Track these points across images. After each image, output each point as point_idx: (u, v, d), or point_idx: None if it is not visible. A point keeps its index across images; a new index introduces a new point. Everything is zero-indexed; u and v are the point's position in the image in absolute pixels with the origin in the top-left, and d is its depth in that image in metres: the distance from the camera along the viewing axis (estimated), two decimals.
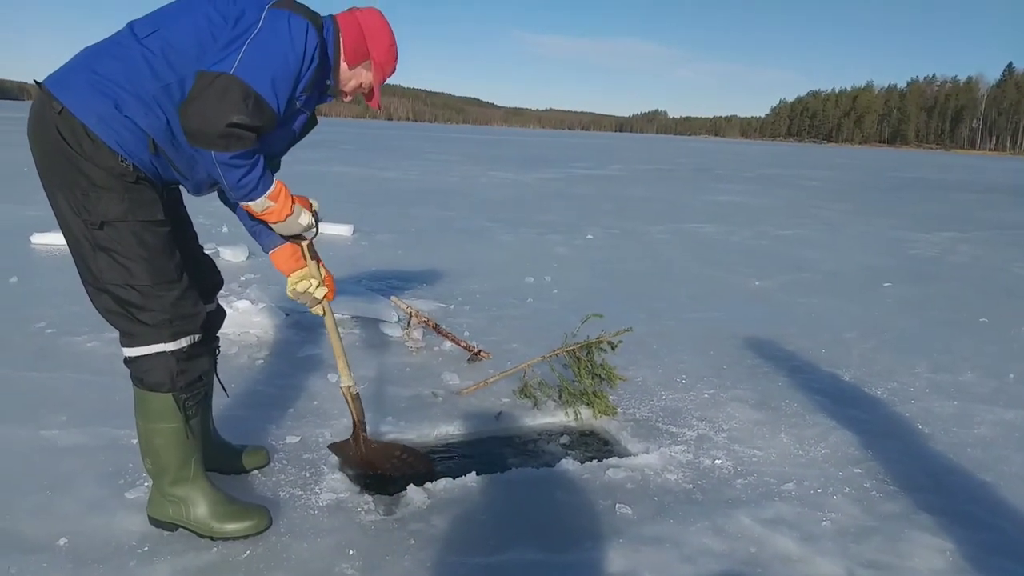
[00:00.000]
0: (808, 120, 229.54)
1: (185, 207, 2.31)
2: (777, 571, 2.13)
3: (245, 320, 4.06)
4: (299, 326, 4.16)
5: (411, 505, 2.36)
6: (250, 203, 2.07)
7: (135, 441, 2.66)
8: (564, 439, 3.03)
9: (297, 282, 2.48)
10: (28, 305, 4.36)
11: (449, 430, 3.02)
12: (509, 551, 2.15)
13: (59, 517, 2.18)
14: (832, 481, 2.69)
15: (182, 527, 2.11)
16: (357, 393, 2.55)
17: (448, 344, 3.96)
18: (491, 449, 2.94)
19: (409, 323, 4.14)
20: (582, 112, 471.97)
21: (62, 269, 5.43)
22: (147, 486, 2.37)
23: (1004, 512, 2.52)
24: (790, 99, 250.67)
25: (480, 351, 3.81)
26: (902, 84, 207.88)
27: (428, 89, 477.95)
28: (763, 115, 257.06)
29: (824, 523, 2.39)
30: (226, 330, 3.94)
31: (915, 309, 5.53)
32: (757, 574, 2.11)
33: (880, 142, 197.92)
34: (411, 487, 2.43)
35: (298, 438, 2.78)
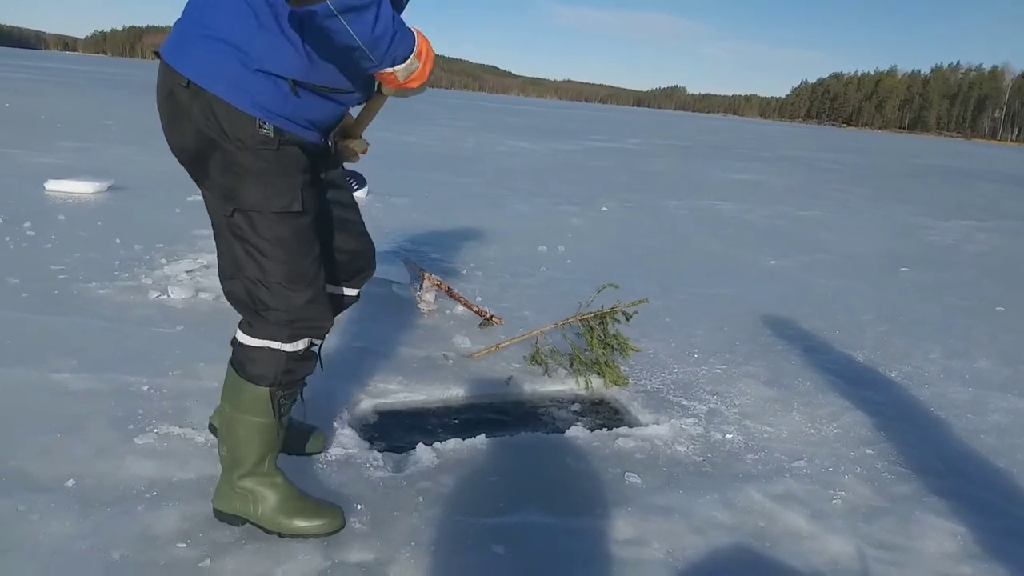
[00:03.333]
0: (828, 102, 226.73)
1: (337, 166, 2.11)
2: (786, 546, 2.11)
3: None
4: None
5: (420, 463, 2.35)
6: (397, 66, 1.70)
7: (146, 388, 2.67)
8: (575, 407, 3.02)
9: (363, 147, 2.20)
10: (42, 251, 4.36)
11: (459, 392, 3.00)
12: (517, 513, 2.14)
13: (68, 459, 2.18)
14: (843, 460, 2.66)
15: (249, 522, 1.95)
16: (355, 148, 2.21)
17: (460, 308, 3.94)
18: (501, 413, 2.93)
19: (422, 286, 4.12)
20: (600, 85, 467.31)
21: (75, 216, 5.43)
22: (157, 432, 2.37)
23: (1017, 499, 2.49)
24: (812, 80, 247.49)
25: (492, 316, 3.79)
26: (926, 70, 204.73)
27: (445, 55, 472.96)
28: (783, 95, 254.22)
29: (834, 501, 2.37)
30: None
31: (932, 295, 5.47)
32: (765, 548, 2.10)
33: (900, 128, 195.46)
34: (420, 445, 2.42)
35: (309, 393, 2.76)
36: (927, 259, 7.04)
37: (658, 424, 2.82)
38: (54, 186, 6.28)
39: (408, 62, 1.71)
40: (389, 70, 1.71)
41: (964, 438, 2.94)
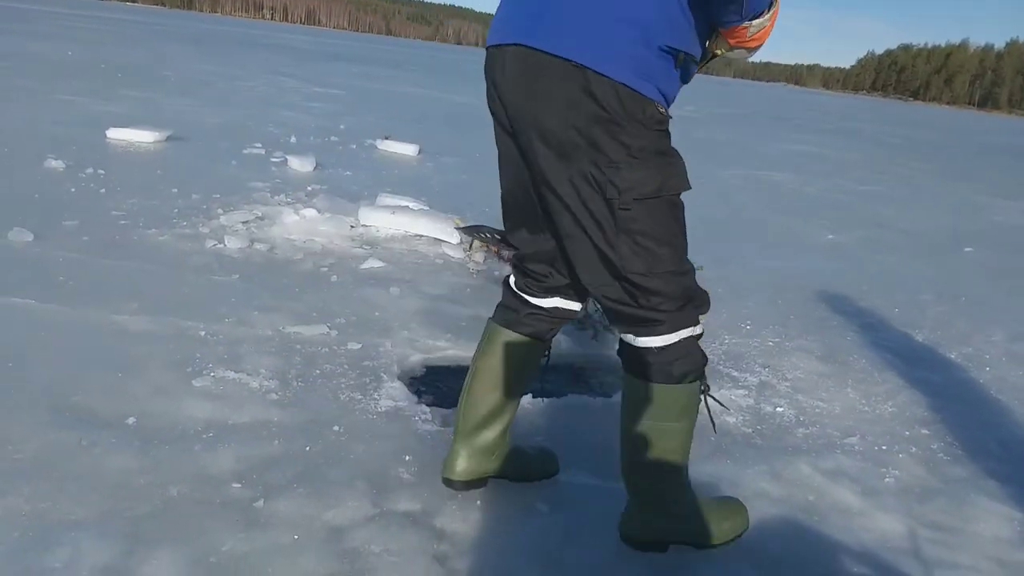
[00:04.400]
0: (895, 75, 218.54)
1: None
2: (835, 521, 2.08)
3: (312, 228, 4.09)
4: (362, 239, 4.17)
5: None
6: (755, 20, 1.54)
7: (203, 333, 2.74)
8: (622, 372, 2.99)
9: None
10: (103, 196, 4.46)
11: None
12: (562, 473, 2.14)
13: (128, 397, 2.24)
14: (898, 439, 2.60)
15: (675, 542, 1.81)
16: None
17: (509, 269, 3.92)
18: (547, 374, 2.92)
19: (471, 245, 4.12)
20: None
21: (136, 164, 5.55)
22: (213, 376, 2.42)
23: None
24: (879, 51, 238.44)
25: None
26: (1000, 44, 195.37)
27: None
28: (847, 66, 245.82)
29: (887, 480, 2.32)
30: (291, 235, 4.00)
31: (996, 276, 5.27)
32: (814, 522, 2.07)
33: (969, 104, 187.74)
34: None
35: (359, 345, 2.80)
36: (992, 240, 6.79)
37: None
38: (115, 134, 6.41)
39: (764, 16, 1.54)
40: (746, 23, 1.53)
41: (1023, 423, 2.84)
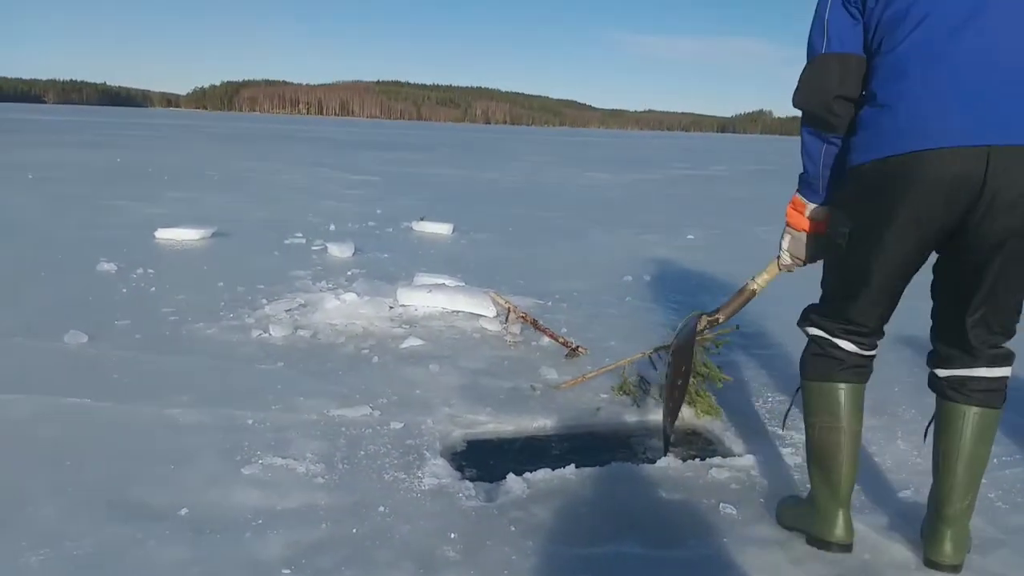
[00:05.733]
0: None
1: None
2: None
3: (352, 311, 4.20)
4: (401, 319, 4.26)
5: (511, 493, 2.37)
6: None
7: (251, 421, 2.81)
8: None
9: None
10: (152, 295, 4.65)
11: (547, 423, 3.02)
12: (609, 544, 2.12)
13: (180, 489, 2.31)
14: None
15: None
16: (752, 292, 2.50)
17: (546, 340, 3.97)
18: (590, 443, 2.92)
19: (508, 318, 4.18)
20: (682, 113, 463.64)
21: (184, 262, 5.78)
22: (262, 463, 2.48)
23: None
24: None
25: (578, 347, 3.80)
26: None
27: (525, 92, 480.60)
28: None
29: None
30: (333, 320, 4.10)
31: None
32: None
33: None
34: (511, 475, 2.44)
35: (402, 424, 2.85)
36: None
37: (753, 455, 2.75)
38: (163, 234, 6.71)
39: None
40: None
41: None
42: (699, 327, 2.56)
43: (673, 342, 2.60)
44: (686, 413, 3.11)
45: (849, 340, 2.07)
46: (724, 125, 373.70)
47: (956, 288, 1.93)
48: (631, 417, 3.12)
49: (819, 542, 2.12)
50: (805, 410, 2.17)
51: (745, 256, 7.24)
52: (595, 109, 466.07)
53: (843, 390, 2.08)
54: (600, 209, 10.84)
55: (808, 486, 2.50)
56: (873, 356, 2.13)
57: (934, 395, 2.09)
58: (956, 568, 2.01)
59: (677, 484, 2.49)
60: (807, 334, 2.19)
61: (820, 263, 2.19)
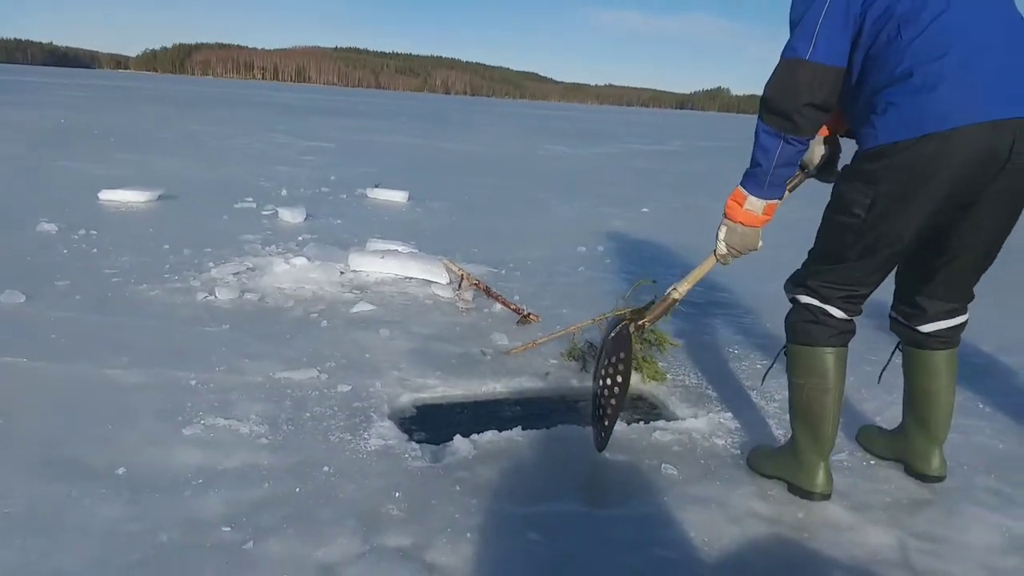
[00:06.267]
0: None
1: None
2: (825, 537, 2.09)
3: (302, 276, 4.14)
4: (352, 284, 4.21)
5: (457, 454, 2.38)
6: None
7: (194, 383, 2.77)
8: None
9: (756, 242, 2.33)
10: (95, 256, 4.52)
11: (496, 387, 3.03)
12: (553, 503, 2.15)
13: (119, 448, 2.26)
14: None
15: None
16: (674, 300, 2.55)
17: (498, 307, 3.97)
18: (538, 407, 2.94)
19: (460, 284, 4.17)
20: (642, 88, 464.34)
21: (128, 223, 5.63)
22: (203, 424, 2.45)
23: None
24: None
25: (529, 314, 3.81)
26: None
27: (486, 63, 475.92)
28: None
29: (876, 494, 2.33)
30: (282, 284, 4.04)
31: None
32: (804, 539, 2.07)
33: None
34: (457, 437, 2.45)
35: (349, 387, 2.83)
36: None
37: (696, 418, 2.80)
38: (107, 196, 6.50)
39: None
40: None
41: (1016, 431, 2.85)
42: (628, 332, 2.48)
43: (603, 347, 2.55)
44: (633, 379, 3.15)
45: (841, 308, 2.19)
46: (683, 101, 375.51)
47: (961, 248, 2.09)
48: (579, 382, 3.14)
49: (802, 491, 2.26)
50: (793, 372, 2.27)
51: (699, 230, 7.33)
52: (556, 82, 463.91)
53: (832, 354, 2.21)
54: (557, 181, 10.84)
55: (749, 448, 2.57)
56: (853, 328, 2.26)
57: (865, 363, 2.20)
58: (943, 478, 2.40)
59: (621, 446, 2.52)
60: (797, 302, 2.28)
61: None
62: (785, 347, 2.32)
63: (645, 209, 8.42)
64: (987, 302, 2.71)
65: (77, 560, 1.75)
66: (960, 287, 2.22)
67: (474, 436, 2.49)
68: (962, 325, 2.31)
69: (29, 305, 3.49)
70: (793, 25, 2.00)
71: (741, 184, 2.22)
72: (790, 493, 2.29)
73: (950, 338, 2.31)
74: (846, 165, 2.10)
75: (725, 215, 2.28)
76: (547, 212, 7.84)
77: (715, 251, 2.37)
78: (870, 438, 2.64)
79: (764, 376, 2.78)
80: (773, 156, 2.07)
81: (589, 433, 2.59)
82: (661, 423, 2.74)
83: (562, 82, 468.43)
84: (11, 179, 7.39)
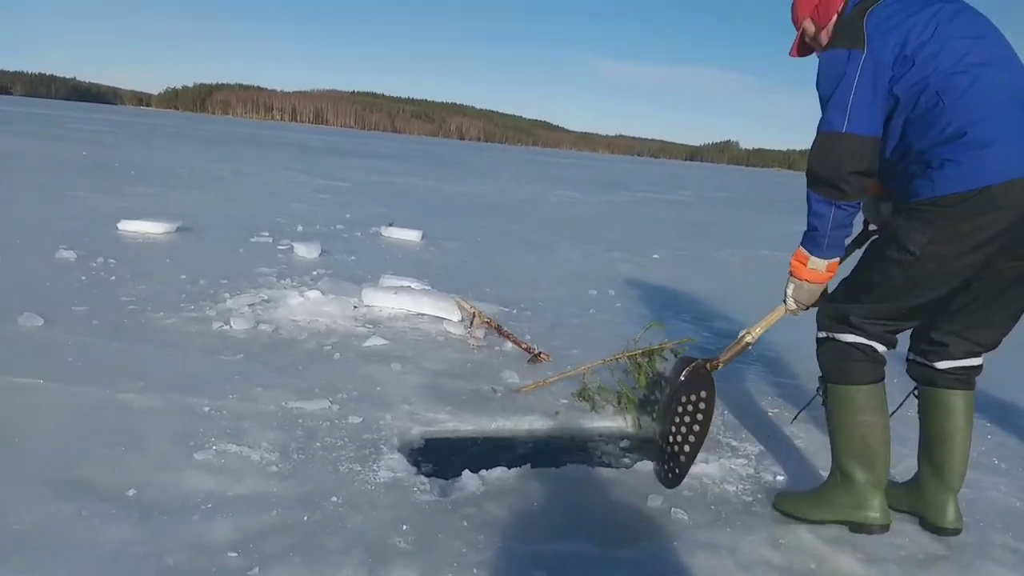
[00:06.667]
0: None
1: None
2: None
3: (315, 309, 4.17)
4: (365, 318, 4.24)
5: (466, 489, 2.37)
6: None
7: (207, 409, 2.78)
8: (622, 443, 3.01)
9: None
10: (112, 284, 4.57)
11: (506, 424, 3.02)
12: (561, 542, 2.13)
13: (130, 471, 2.27)
14: None
15: None
16: (747, 344, 2.64)
17: (509, 345, 3.98)
18: (547, 446, 2.93)
19: (472, 323, 4.18)
20: (652, 139, 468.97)
21: (146, 254, 5.69)
22: (215, 449, 2.45)
23: None
24: None
25: (540, 353, 3.82)
26: None
27: (499, 111, 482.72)
28: None
29: (890, 548, 2.30)
30: (296, 317, 4.07)
31: None
32: None
33: None
34: (466, 472, 2.44)
35: (360, 419, 2.83)
36: None
37: (707, 463, 2.78)
38: (126, 226, 6.59)
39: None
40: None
41: None
42: (707, 370, 2.63)
43: (676, 386, 2.67)
44: (643, 421, 3.14)
45: (883, 342, 2.31)
46: (692, 153, 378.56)
47: (1000, 292, 2.19)
48: (589, 422, 3.14)
49: (864, 527, 2.33)
50: (844, 412, 2.33)
51: (708, 276, 7.37)
52: (567, 131, 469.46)
53: (881, 388, 2.33)
54: (569, 225, 10.92)
55: (760, 495, 2.54)
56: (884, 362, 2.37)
57: (914, 387, 2.38)
58: (960, 531, 2.36)
59: (631, 488, 2.51)
60: (836, 340, 2.34)
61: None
62: (821, 388, 2.39)
63: (656, 256, 8.46)
64: (1004, 359, 2.71)
65: None
66: (991, 332, 2.27)
67: (483, 472, 2.49)
68: (978, 368, 2.33)
69: (46, 329, 3.53)
70: (824, 100, 2.15)
71: (802, 246, 2.34)
72: (852, 532, 2.33)
73: (967, 378, 2.33)
74: (900, 209, 2.18)
75: (792, 274, 2.40)
76: (558, 255, 7.89)
77: (785, 305, 2.49)
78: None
79: (795, 417, 2.81)
80: (828, 221, 2.21)
81: (599, 475, 2.58)
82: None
83: (573, 131, 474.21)
84: (32, 207, 7.51)
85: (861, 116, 2.08)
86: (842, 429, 2.34)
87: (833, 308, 2.33)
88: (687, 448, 2.49)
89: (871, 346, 2.29)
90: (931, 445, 2.39)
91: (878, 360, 2.31)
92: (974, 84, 2.01)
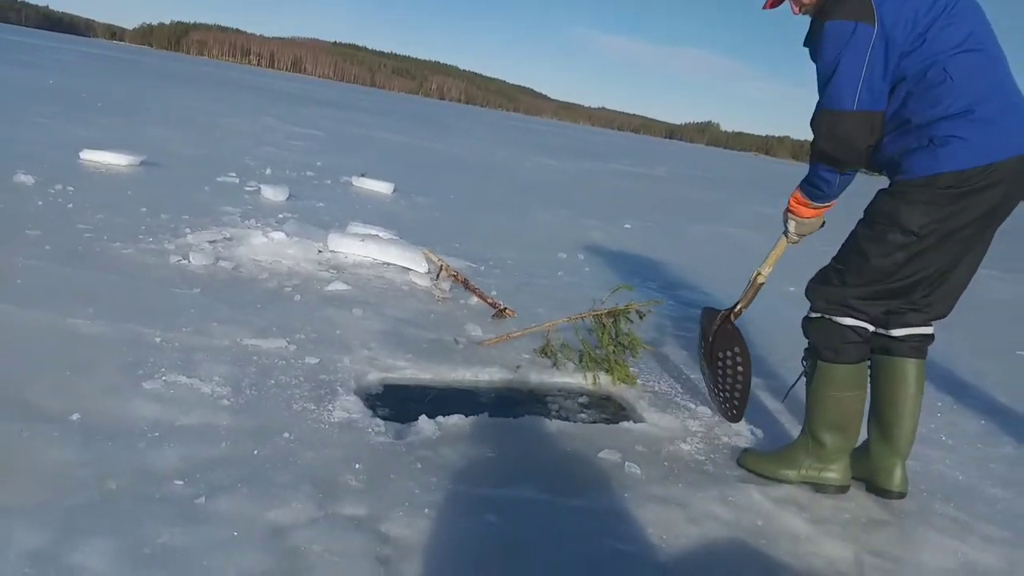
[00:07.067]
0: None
1: None
2: (782, 546, 2.08)
3: (279, 250, 4.09)
4: (329, 263, 4.17)
5: (421, 434, 2.35)
6: None
7: (158, 340, 2.71)
8: (581, 399, 3.01)
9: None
10: (69, 211, 4.43)
11: (466, 375, 3.00)
12: (513, 488, 2.13)
13: (75, 395, 2.20)
14: None
15: None
16: (761, 283, 2.71)
17: (474, 300, 3.95)
18: (506, 398, 2.92)
19: (439, 275, 4.14)
20: (634, 115, 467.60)
21: (107, 184, 5.53)
22: (165, 380, 2.40)
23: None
24: None
25: (505, 308, 3.79)
26: None
27: (482, 73, 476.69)
28: None
29: (836, 511, 2.33)
30: (258, 256, 3.99)
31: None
32: (761, 544, 2.07)
33: None
34: (423, 417, 2.42)
35: (317, 360, 2.79)
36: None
37: (662, 422, 2.80)
38: (88, 155, 6.40)
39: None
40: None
41: (974, 467, 2.88)
42: (722, 320, 2.81)
43: (711, 340, 2.84)
44: (603, 380, 3.14)
45: (874, 322, 2.34)
46: (672, 131, 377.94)
47: (971, 263, 2.28)
48: (549, 378, 3.13)
49: (833, 487, 2.43)
50: (830, 387, 2.37)
51: (677, 249, 7.39)
52: (550, 99, 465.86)
53: (865, 366, 2.39)
54: (543, 190, 10.86)
55: (713, 455, 2.56)
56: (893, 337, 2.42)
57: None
58: (904, 494, 2.43)
59: (586, 440, 2.51)
60: (832, 322, 2.35)
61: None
62: (808, 362, 2.44)
63: (627, 225, 8.45)
64: (956, 341, 2.75)
65: (19, 498, 1.70)
66: (949, 301, 2.34)
67: (439, 418, 2.47)
68: (931, 337, 2.40)
69: None
70: (826, 72, 2.15)
71: (802, 193, 2.48)
72: (816, 492, 2.41)
73: (920, 346, 2.39)
74: (893, 187, 2.21)
75: (792, 212, 2.55)
76: (530, 218, 7.84)
77: (787, 237, 2.62)
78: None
79: (786, 394, 2.87)
80: (835, 185, 2.33)
81: (555, 427, 2.58)
82: (627, 424, 2.73)
83: (556, 100, 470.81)
84: None
85: (872, 92, 2.10)
86: (823, 401, 2.39)
87: (831, 291, 2.35)
88: (737, 391, 2.73)
89: (866, 328, 2.33)
90: (882, 411, 2.43)
91: (868, 340, 2.36)
92: (983, 63, 2.07)
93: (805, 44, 2.29)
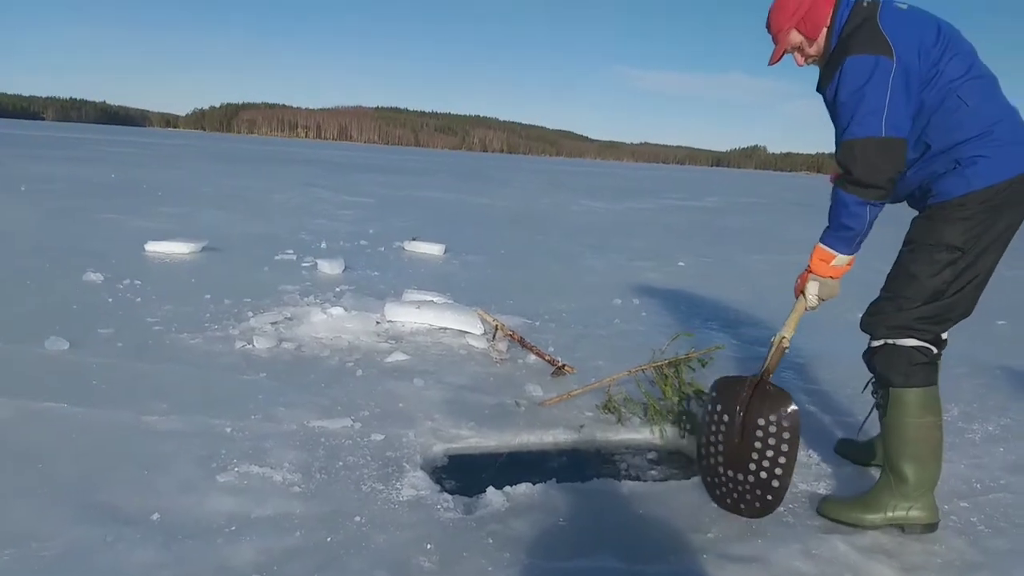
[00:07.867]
0: None
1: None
2: None
3: (339, 325, 4.17)
4: (388, 334, 4.23)
5: (490, 506, 2.34)
6: None
7: (229, 430, 2.78)
8: (650, 455, 2.96)
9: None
10: (138, 305, 4.62)
11: (530, 438, 2.99)
12: (588, 558, 2.09)
13: (154, 494, 2.27)
14: None
15: None
16: (785, 348, 2.52)
17: (532, 358, 3.95)
18: (573, 460, 2.90)
19: (495, 335, 4.16)
20: (678, 146, 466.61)
21: (171, 274, 5.76)
22: (238, 471, 2.45)
23: None
24: None
25: (564, 365, 3.78)
26: None
27: (522, 121, 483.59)
28: None
29: (926, 555, 2.23)
30: (319, 334, 4.08)
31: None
32: None
33: None
34: (490, 489, 2.41)
35: (382, 437, 2.82)
36: (1014, 310, 6.66)
37: None
38: (152, 247, 6.68)
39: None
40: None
41: None
42: (756, 384, 2.46)
43: (728, 415, 2.47)
44: (670, 433, 3.09)
45: (934, 344, 2.37)
46: (719, 159, 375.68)
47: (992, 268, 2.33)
48: (615, 435, 3.09)
49: (924, 526, 2.35)
50: (907, 414, 2.33)
51: (735, 283, 7.27)
52: (591, 140, 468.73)
53: (937, 390, 2.38)
54: (592, 235, 10.87)
55: (792, 505, 2.48)
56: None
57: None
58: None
59: (659, 501, 2.46)
60: (897, 347, 2.34)
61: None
62: (880, 394, 2.40)
63: (681, 263, 8.38)
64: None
65: None
66: (975, 299, 2.37)
67: (507, 488, 2.45)
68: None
69: (72, 352, 3.56)
70: (849, 104, 2.20)
71: (826, 245, 2.40)
72: (905, 535, 2.33)
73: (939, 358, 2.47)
74: (930, 212, 2.30)
75: (814, 272, 2.45)
76: (582, 265, 7.84)
77: (806, 301, 2.50)
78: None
79: (860, 428, 2.82)
80: (865, 221, 2.29)
81: (626, 488, 2.54)
82: (698, 480, 2.66)
83: (597, 140, 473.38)
84: (61, 230, 7.64)
85: (897, 120, 2.16)
86: (902, 431, 2.34)
87: (889, 317, 2.34)
88: (778, 471, 2.32)
89: (930, 349, 2.34)
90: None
91: (934, 362, 2.37)
92: (990, 88, 2.24)
93: (818, 90, 2.38)
